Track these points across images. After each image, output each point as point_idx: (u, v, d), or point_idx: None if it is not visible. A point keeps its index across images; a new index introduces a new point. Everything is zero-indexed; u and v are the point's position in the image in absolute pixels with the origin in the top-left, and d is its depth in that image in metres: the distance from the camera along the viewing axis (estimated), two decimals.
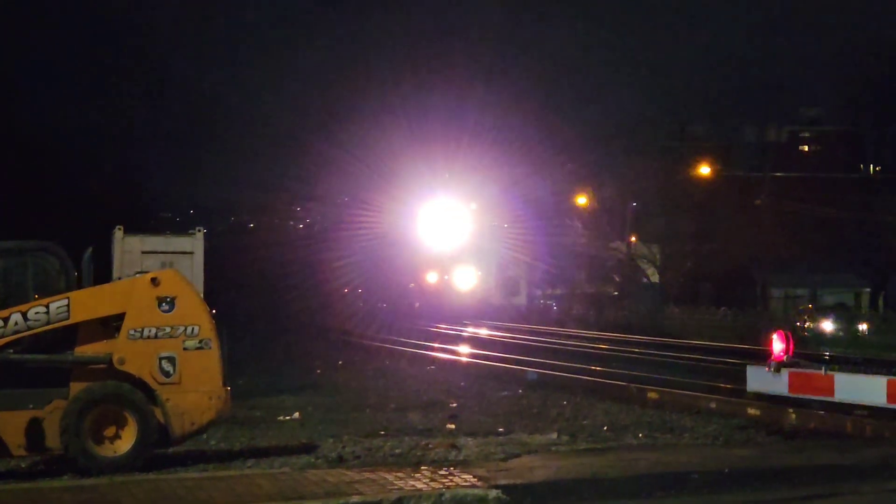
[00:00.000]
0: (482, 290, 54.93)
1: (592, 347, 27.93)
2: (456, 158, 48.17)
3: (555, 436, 9.94)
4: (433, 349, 25.98)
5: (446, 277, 55.86)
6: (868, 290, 49.16)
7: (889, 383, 10.78)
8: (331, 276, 50.90)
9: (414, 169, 50.12)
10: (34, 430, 7.52)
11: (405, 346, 27.14)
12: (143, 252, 12.49)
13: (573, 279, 50.73)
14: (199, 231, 14.13)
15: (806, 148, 79.99)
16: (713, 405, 13.20)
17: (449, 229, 50.95)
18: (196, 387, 7.84)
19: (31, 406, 7.55)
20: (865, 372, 12.92)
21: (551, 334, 34.88)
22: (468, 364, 22.88)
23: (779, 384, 12.21)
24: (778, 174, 51.75)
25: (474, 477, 6.82)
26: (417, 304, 52.44)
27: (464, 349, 27.24)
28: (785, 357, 12.32)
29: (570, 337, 32.87)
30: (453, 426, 11.66)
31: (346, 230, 54.07)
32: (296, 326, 35.49)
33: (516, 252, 50.72)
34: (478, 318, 42.65)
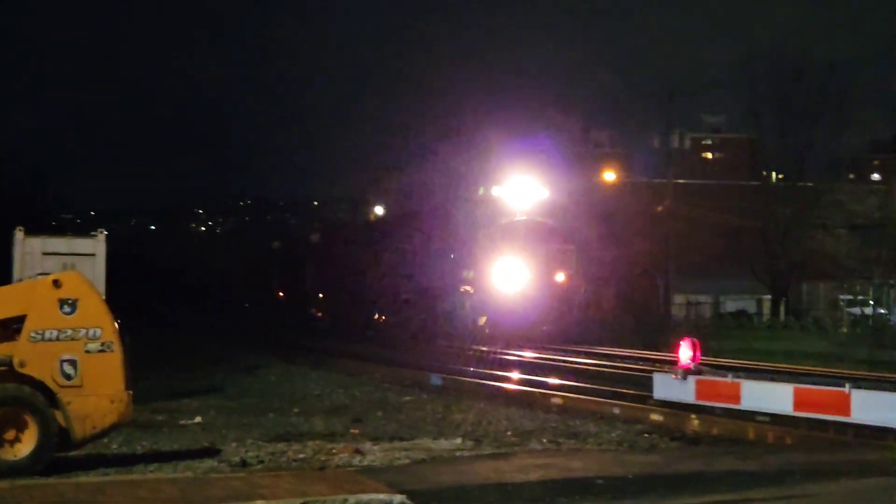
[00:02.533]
0: None
1: (501, 353, 28.32)
2: None
3: (459, 441, 10.26)
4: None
5: None
6: (769, 297, 51.97)
7: (796, 391, 11.22)
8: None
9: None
10: None
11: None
12: (45, 253, 12.31)
13: None
14: (101, 233, 14.01)
15: (709, 155, 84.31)
16: (617, 411, 13.59)
17: None
18: (98, 390, 7.75)
19: None
20: (771, 379, 13.49)
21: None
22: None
23: (685, 392, 12.42)
24: (681, 181, 53.72)
25: (378, 482, 7.05)
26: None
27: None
28: (692, 365, 12.43)
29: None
30: (357, 431, 11.82)
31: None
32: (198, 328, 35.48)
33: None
34: None
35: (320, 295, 52.50)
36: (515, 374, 20.75)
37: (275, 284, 59.87)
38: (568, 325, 35.56)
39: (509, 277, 36.59)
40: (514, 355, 26.27)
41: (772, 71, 48.96)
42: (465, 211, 41.00)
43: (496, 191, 41.88)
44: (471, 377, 19.55)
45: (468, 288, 38.94)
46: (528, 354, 26.78)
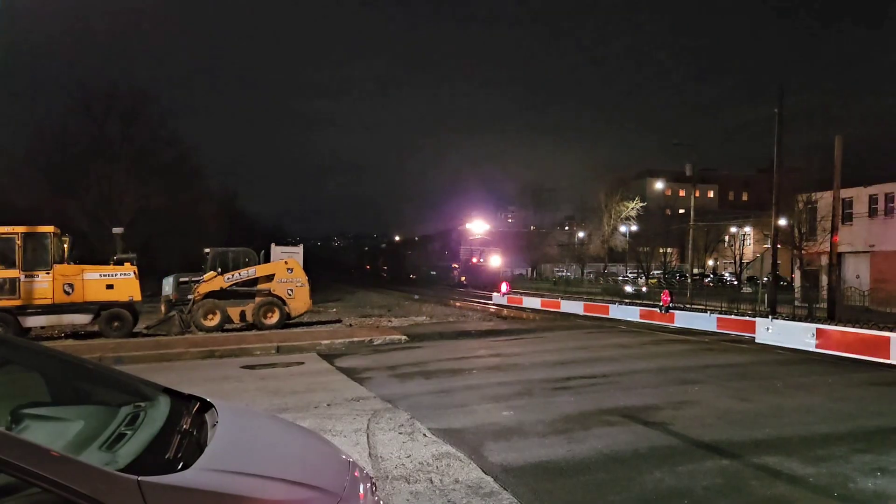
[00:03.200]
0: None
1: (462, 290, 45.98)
2: None
3: (425, 318, 24.32)
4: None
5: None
6: (531, 268, 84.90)
7: (542, 301, 26.48)
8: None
9: None
10: (244, 314, 21.43)
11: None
12: (282, 252, 26.36)
13: None
14: (300, 244, 28.94)
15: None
16: (479, 308, 29.17)
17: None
18: (300, 299, 21.64)
19: (241, 305, 21.48)
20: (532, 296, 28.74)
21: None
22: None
23: (503, 300, 29.31)
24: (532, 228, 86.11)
25: (396, 331, 20.74)
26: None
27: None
28: (505, 291, 29.47)
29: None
30: (390, 313, 26.49)
31: None
32: (342, 282, 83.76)
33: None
34: None
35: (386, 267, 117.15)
36: (454, 296, 37.91)
37: (379, 264, 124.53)
38: (492, 282, 61.94)
39: (473, 262, 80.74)
40: (462, 290, 47.01)
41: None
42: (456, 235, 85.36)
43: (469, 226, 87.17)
44: (433, 297, 35.86)
45: (456, 266, 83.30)
46: (461, 290, 48.24)
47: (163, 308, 21.49)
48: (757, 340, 16.04)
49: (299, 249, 24.54)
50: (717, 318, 18.38)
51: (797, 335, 14.78)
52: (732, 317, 18.13)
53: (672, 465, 6.53)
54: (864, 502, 5.57)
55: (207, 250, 22.24)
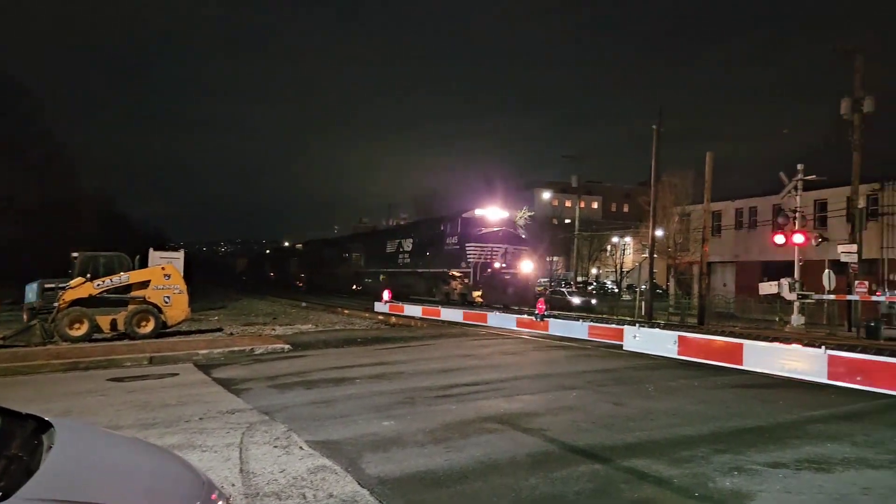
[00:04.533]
0: None
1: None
2: None
3: (311, 326, 23.87)
4: None
5: None
6: None
7: (423, 309, 26.34)
8: None
9: None
10: (115, 323, 20.19)
11: None
12: (161, 257, 24.82)
13: None
14: (181, 249, 27.48)
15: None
16: (367, 315, 28.69)
17: None
18: (177, 307, 20.65)
19: (113, 313, 20.22)
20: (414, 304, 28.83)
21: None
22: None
23: (385, 308, 28.86)
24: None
25: (280, 340, 20.15)
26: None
27: None
28: (392, 297, 28.79)
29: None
30: (274, 321, 25.71)
31: None
32: (226, 289, 69.68)
33: None
34: None
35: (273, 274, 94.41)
36: (343, 304, 38.01)
37: (267, 270, 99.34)
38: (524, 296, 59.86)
39: (494, 269, 65.44)
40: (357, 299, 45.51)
41: None
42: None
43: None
44: (321, 305, 36.32)
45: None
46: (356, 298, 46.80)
47: (25, 317, 19.93)
48: (624, 348, 16.68)
49: (180, 255, 23.47)
50: (589, 326, 19.04)
51: (661, 342, 15.52)
52: (603, 325, 18.81)
53: (547, 471, 6.62)
54: (722, 500, 5.84)
55: (75, 254, 20.81)
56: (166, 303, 20.32)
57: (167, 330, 20.64)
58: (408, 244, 43.77)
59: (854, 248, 28.39)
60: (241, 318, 28.19)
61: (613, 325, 18.32)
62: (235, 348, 16.87)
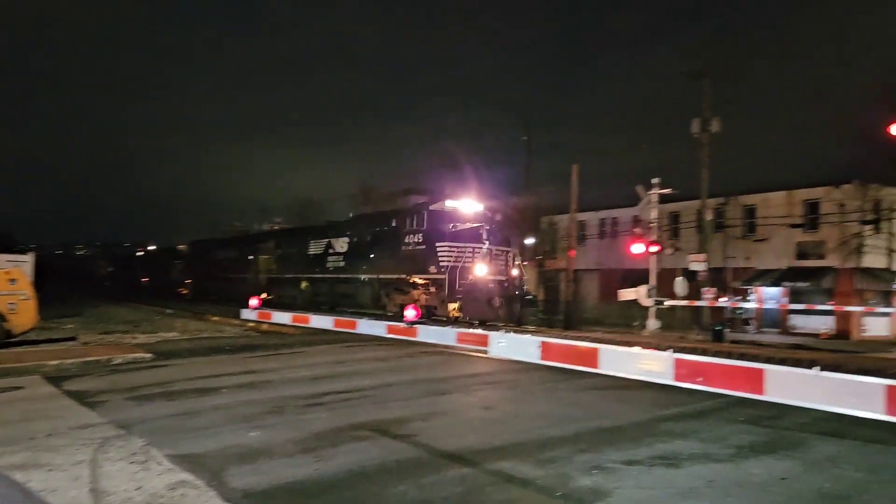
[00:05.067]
0: None
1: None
2: None
3: (176, 333, 22.83)
4: None
5: None
6: None
7: (293, 317, 25.64)
8: None
9: None
10: None
11: None
12: (7, 260, 22.57)
13: None
14: (31, 251, 24.82)
15: None
16: (237, 322, 27.79)
17: None
18: (25, 314, 19.06)
19: None
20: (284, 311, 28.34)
21: None
22: None
23: (253, 315, 27.55)
24: None
25: (141, 349, 19.05)
26: None
27: None
28: (257, 305, 28.33)
29: None
30: (136, 329, 24.30)
31: None
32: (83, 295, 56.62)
33: None
34: None
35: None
36: (211, 311, 36.14)
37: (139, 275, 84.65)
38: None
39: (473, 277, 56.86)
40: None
41: None
42: None
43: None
44: (184, 311, 34.67)
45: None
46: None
47: None
48: (490, 354, 17.06)
49: (28, 258, 21.66)
50: (458, 332, 19.34)
51: (525, 348, 16.03)
52: (471, 331, 19.17)
53: (417, 477, 6.67)
54: (581, 498, 6.12)
55: None
56: (11, 310, 18.69)
57: (13, 339, 18.99)
58: (341, 244, 36.39)
59: (703, 257, 30.64)
60: (100, 325, 26.32)
61: (480, 332, 18.71)
62: (91, 358, 15.79)
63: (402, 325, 20.99)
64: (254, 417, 9.46)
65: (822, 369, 10.40)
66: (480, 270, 27.60)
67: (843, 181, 36.11)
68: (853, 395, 9.65)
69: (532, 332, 21.16)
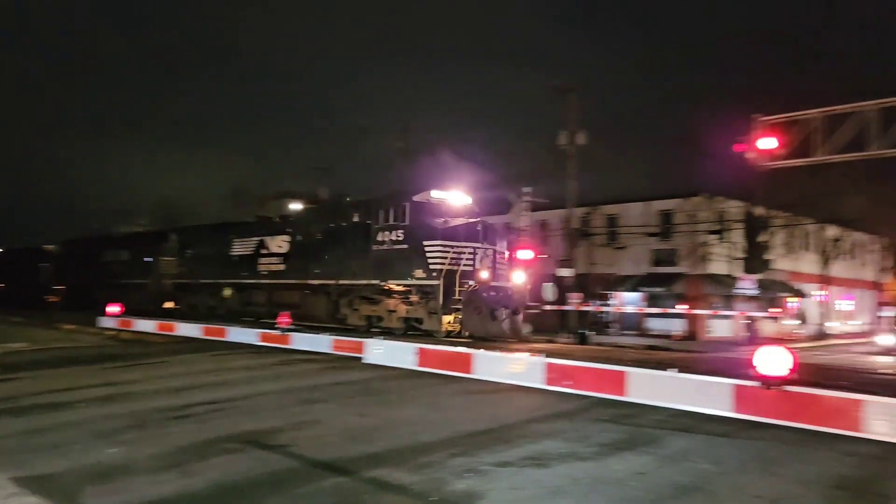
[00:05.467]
0: None
1: None
2: None
3: (25, 344, 21.15)
4: None
5: None
6: None
7: (159, 326, 25.11)
8: None
9: None
10: None
11: None
12: None
13: None
14: None
15: None
16: (94, 330, 26.87)
17: None
18: None
19: None
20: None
21: None
22: None
23: (113, 323, 26.90)
24: None
25: None
26: None
27: None
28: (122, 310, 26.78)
29: None
30: None
31: None
32: None
33: None
34: None
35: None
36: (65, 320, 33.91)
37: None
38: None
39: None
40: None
41: None
42: None
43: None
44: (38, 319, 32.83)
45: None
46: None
47: None
48: (366, 360, 17.02)
49: None
50: (334, 339, 19.17)
51: (403, 354, 16.16)
52: (347, 338, 19.04)
53: (290, 488, 6.54)
54: (456, 502, 6.24)
55: None
56: None
57: None
58: (279, 244, 30.42)
59: (570, 264, 32.09)
60: None
61: (356, 339, 18.61)
62: None
63: (275, 332, 20.51)
64: (113, 433, 8.90)
65: (678, 371, 11.23)
66: (482, 275, 23.24)
67: (692, 194, 39.00)
68: (704, 395, 10.48)
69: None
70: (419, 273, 23.44)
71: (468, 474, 7.09)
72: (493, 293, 23.23)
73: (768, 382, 9.56)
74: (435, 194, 24.94)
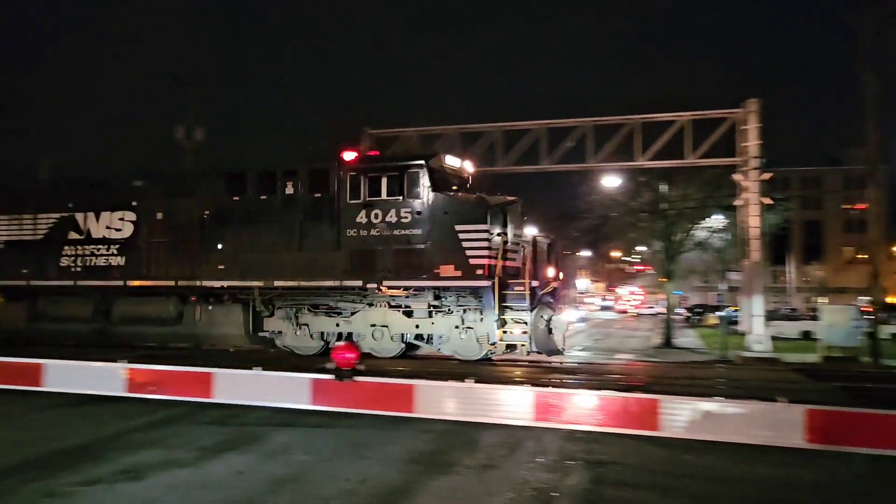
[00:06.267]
0: None
1: None
2: None
3: None
4: None
5: None
6: None
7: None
8: None
9: None
10: None
11: None
12: None
13: None
14: None
15: None
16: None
17: None
18: None
19: None
20: None
21: None
22: None
23: None
24: None
25: None
26: None
27: None
28: None
29: None
30: None
31: None
32: None
33: None
34: None
35: None
36: None
37: None
38: None
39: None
40: None
41: None
42: None
43: None
44: None
45: None
46: None
47: None
48: None
49: None
50: None
51: None
52: None
53: None
54: None
55: None
56: None
57: None
58: (117, 222, 18.69)
59: None
60: None
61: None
62: None
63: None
64: None
65: (263, 369, 11.40)
66: (550, 273, 17.14)
67: None
68: (285, 390, 10.83)
69: None
70: (447, 269, 15.88)
71: (48, 499, 6.39)
72: (549, 298, 17.13)
73: (340, 374, 10.43)
74: (450, 161, 17.62)
